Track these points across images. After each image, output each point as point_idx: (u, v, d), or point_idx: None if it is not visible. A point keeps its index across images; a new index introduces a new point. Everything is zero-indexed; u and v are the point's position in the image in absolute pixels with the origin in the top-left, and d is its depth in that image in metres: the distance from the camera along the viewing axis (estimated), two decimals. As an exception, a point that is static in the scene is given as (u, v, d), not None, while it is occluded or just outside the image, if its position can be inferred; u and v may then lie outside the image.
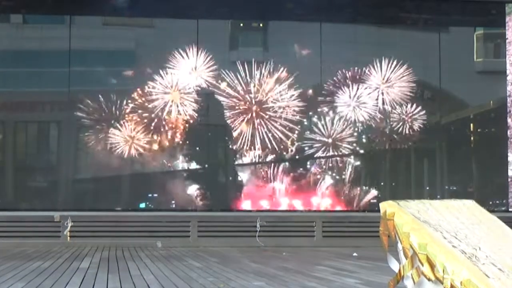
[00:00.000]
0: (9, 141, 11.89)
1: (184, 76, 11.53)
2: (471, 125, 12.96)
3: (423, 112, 12.05)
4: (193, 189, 11.65)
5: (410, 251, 3.83)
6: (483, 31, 12.80)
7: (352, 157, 11.98)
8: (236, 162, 11.88)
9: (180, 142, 11.60)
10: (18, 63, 11.67)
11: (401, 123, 12.00)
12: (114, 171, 11.52)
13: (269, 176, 11.78)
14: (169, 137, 11.53)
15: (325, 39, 11.94)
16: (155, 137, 11.49)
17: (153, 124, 11.48)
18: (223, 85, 11.63)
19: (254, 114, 11.71)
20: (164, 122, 11.49)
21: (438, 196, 11.85)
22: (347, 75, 11.96)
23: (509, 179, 12.18)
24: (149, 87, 11.46)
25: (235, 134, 11.68)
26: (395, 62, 11.99)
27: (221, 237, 10.90)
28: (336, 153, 11.95)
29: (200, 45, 11.58)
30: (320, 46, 11.93)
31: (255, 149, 11.73)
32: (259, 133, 11.70)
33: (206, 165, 11.84)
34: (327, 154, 11.92)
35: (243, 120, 11.70)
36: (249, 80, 11.68)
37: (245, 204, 11.83)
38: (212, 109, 11.76)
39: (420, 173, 12.28)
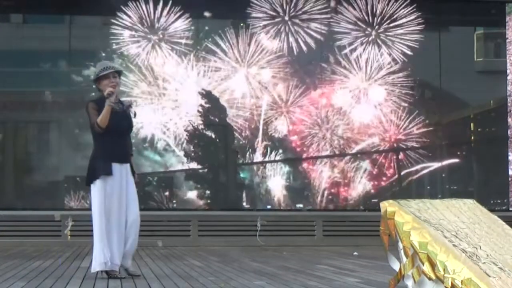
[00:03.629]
0: (9, 141, 11.89)
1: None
2: (472, 124, 12.97)
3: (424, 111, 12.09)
4: (193, 188, 11.66)
5: (410, 250, 3.84)
6: (483, 31, 12.81)
7: (353, 156, 11.98)
8: (238, 162, 11.89)
9: (181, 141, 11.61)
10: (18, 63, 11.66)
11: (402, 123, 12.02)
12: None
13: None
14: (170, 137, 11.54)
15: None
16: (156, 137, 11.51)
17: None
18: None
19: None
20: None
21: (439, 196, 11.86)
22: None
23: (509, 179, 12.19)
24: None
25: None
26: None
27: (222, 236, 10.91)
28: (336, 152, 11.95)
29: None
30: (321, 44, 11.96)
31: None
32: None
33: (207, 164, 11.84)
34: (325, 154, 11.93)
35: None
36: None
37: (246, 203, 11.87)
38: (213, 109, 11.77)
39: (420, 172, 12.28)
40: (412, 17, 12.14)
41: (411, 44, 12.10)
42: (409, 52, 12.05)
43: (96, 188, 6.03)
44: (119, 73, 6.22)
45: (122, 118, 6.08)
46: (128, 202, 6.06)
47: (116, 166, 6.00)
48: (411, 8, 12.14)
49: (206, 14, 11.77)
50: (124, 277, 6.03)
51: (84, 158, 11.46)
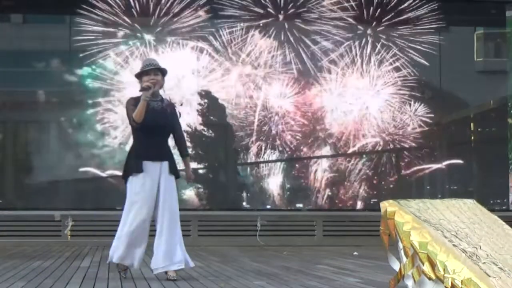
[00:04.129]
0: (9, 141, 11.89)
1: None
2: (472, 124, 12.98)
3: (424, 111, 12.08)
4: (193, 188, 11.66)
5: (410, 250, 3.84)
6: (483, 31, 12.81)
7: (352, 156, 11.99)
8: (238, 161, 11.89)
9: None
10: (18, 63, 11.66)
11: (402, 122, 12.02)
12: (115, 170, 11.52)
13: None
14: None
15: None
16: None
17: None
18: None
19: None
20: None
21: (439, 196, 11.85)
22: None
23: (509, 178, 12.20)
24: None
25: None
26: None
27: (222, 236, 10.90)
28: (336, 152, 11.96)
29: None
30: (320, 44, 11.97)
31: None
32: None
33: (207, 164, 11.84)
34: (325, 154, 11.93)
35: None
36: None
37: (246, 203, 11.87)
38: (212, 109, 11.77)
39: (420, 172, 12.29)
40: (412, 17, 12.15)
41: (411, 44, 12.10)
42: (409, 52, 12.05)
43: (128, 185, 5.95)
44: (162, 71, 6.07)
45: (159, 116, 5.95)
46: (162, 201, 5.91)
47: (147, 165, 5.88)
48: (410, 7, 12.15)
49: (201, 13, 11.74)
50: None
51: (80, 158, 11.55)
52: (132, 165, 5.93)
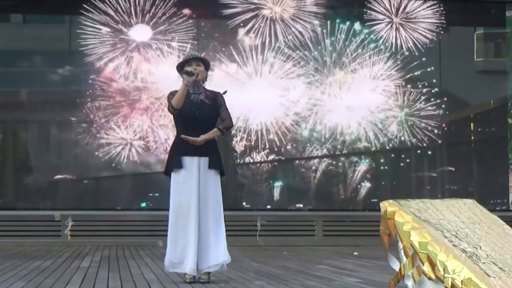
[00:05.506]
0: (9, 141, 11.89)
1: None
2: (472, 124, 12.98)
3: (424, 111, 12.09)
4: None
5: (410, 250, 3.84)
6: (483, 31, 12.81)
7: (353, 156, 11.99)
8: (237, 161, 11.89)
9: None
10: (18, 63, 11.66)
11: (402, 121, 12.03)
12: (115, 170, 11.52)
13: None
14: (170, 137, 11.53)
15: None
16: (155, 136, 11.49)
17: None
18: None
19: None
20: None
21: (439, 196, 11.85)
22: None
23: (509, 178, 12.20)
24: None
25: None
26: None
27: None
28: (336, 152, 11.95)
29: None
30: (323, 43, 11.95)
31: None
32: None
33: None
34: (325, 154, 11.93)
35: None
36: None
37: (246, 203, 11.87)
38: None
39: (420, 172, 12.29)
40: (412, 16, 12.15)
41: (411, 44, 12.10)
42: (408, 52, 12.05)
43: (171, 181, 5.74)
44: (204, 62, 5.79)
45: (197, 110, 5.68)
46: (202, 200, 5.64)
47: (186, 160, 5.65)
48: (411, 7, 12.15)
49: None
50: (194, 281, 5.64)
51: (80, 157, 11.54)
52: (171, 160, 5.71)
